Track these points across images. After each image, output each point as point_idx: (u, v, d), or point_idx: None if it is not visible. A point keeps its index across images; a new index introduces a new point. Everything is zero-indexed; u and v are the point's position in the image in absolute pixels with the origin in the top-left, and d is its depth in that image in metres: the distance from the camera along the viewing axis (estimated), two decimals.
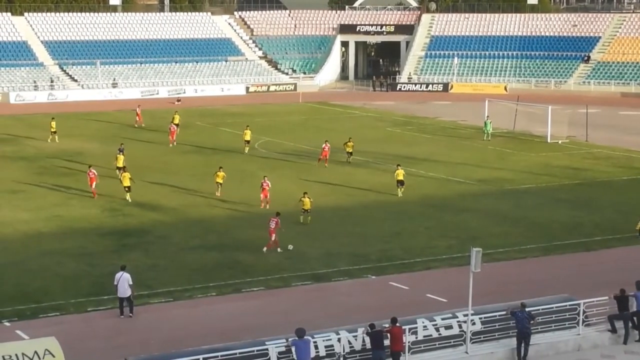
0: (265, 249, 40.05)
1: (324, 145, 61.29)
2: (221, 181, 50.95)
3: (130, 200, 49.50)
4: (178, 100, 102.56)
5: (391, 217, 46.90)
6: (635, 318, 29.08)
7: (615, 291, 29.23)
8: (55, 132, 71.51)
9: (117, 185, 52.70)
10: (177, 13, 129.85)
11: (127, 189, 50.02)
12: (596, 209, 49.03)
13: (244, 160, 63.63)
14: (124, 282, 31.64)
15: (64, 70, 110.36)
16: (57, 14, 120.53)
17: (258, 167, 60.41)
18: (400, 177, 51.84)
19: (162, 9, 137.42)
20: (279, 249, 40.10)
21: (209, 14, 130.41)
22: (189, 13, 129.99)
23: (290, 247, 40.44)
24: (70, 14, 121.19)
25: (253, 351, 25.03)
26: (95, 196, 50.67)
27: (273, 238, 40.10)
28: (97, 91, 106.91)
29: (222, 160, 63.27)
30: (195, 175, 57.97)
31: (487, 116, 75.83)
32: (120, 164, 55.92)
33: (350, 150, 62.33)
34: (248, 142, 67.22)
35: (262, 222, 45.03)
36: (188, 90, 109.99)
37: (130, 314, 31.64)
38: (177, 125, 75.09)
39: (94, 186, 51.09)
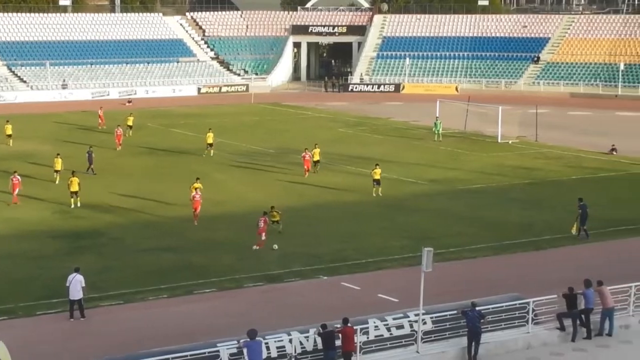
0: (255, 247, 40.51)
1: (303, 154, 58.55)
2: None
3: (79, 205, 48.77)
4: (129, 102, 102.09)
5: (345, 218, 47.04)
6: (583, 316, 29.44)
7: (564, 290, 29.55)
8: (10, 136, 70.64)
9: (67, 187, 52.47)
10: (128, 14, 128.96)
11: (75, 194, 49.18)
12: (547, 209, 49.54)
13: (196, 161, 63.39)
14: (76, 284, 31.37)
15: (13, 71, 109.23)
16: (6, 14, 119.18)
17: (212, 169, 60.29)
18: (377, 177, 52.06)
19: (113, 10, 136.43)
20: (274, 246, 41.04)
21: (161, 14, 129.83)
22: (140, 14, 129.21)
23: (275, 246, 40.66)
24: (19, 14, 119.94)
25: (204, 353, 24.99)
26: (15, 202, 49.43)
27: (263, 237, 40.66)
28: (47, 92, 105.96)
29: (175, 161, 63.16)
30: (148, 176, 57.72)
31: (437, 117, 76.24)
32: (59, 167, 55.42)
33: (316, 159, 59.07)
34: (211, 145, 66.13)
35: (214, 224, 45.14)
36: (139, 92, 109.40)
37: (82, 317, 31.44)
38: (130, 127, 74.63)
39: (16, 192, 49.85)
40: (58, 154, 57.01)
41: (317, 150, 59.86)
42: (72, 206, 48.72)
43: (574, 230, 43.41)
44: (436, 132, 74.29)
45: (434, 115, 78.16)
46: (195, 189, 46.42)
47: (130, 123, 75.39)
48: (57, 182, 54.55)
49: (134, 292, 34.44)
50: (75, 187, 48.99)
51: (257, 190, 53.39)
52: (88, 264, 37.01)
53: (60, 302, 32.47)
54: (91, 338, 29.84)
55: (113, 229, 44.29)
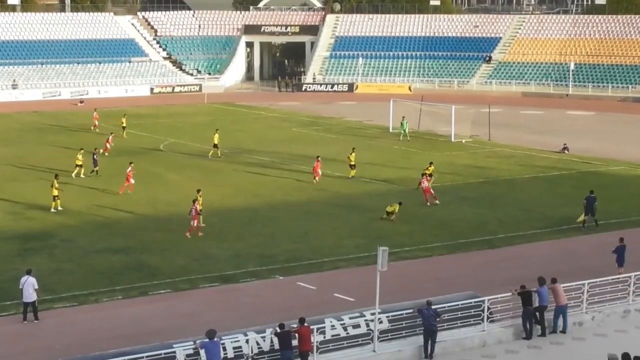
0: (432, 202, 49.36)
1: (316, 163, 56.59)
2: (201, 207, 44.39)
3: (60, 209, 47.93)
4: (81, 102, 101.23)
5: (299, 218, 46.98)
6: (537, 313, 29.65)
7: (517, 287, 29.67)
8: None
9: (19, 188, 52.03)
10: (79, 13, 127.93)
11: (56, 197, 48.27)
12: (499, 207, 49.85)
13: (149, 161, 62.95)
14: (28, 286, 31.01)
15: None
16: None
17: (164, 169, 60.00)
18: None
19: (62, 9, 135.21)
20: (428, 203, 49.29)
21: (112, 14, 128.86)
22: (91, 13, 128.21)
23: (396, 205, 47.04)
24: None
25: (160, 354, 24.78)
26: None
27: (432, 192, 49.81)
28: None
29: (128, 162, 62.50)
30: (101, 177, 57.15)
31: (403, 117, 76.12)
32: (80, 161, 56.66)
33: (429, 172, 53.92)
34: (216, 145, 65.53)
35: (167, 225, 44.85)
36: (91, 92, 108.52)
37: (35, 319, 31.08)
38: (124, 128, 73.97)
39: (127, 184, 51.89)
40: (81, 149, 58.06)
41: (431, 168, 55.19)
42: (52, 210, 47.83)
43: (579, 219, 44.97)
44: (403, 131, 74.41)
45: (388, 115, 78.42)
46: (194, 201, 43.66)
47: (124, 124, 74.98)
48: (73, 176, 55.68)
49: (87, 294, 34.14)
50: (55, 191, 48.23)
51: (211, 191, 53.10)
52: (39, 266, 36.69)
53: (13, 305, 32.11)
54: (45, 340, 29.54)
55: (64, 231, 43.81)
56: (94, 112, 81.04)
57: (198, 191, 45.65)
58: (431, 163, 55.75)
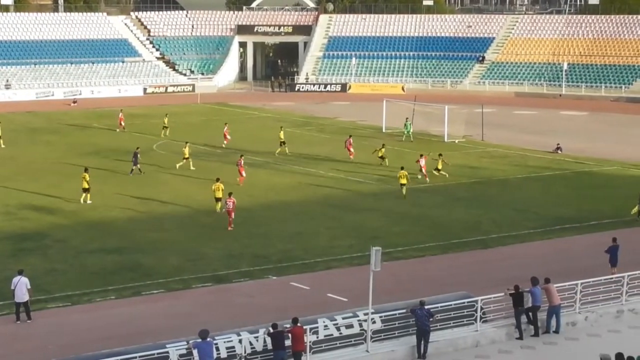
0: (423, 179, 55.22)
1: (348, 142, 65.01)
2: (221, 195, 46.74)
3: (89, 202, 49.13)
4: (74, 102, 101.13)
5: (292, 218, 46.99)
6: (530, 313, 29.69)
7: (510, 288, 29.71)
8: None
9: (11, 189, 51.91)
10: (72, 13, 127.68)
11: (86, 191, 49.20)
12: (493, 207, 49.89)
13: (143, 161, 62.76)
14: (21, 286, 31.00)
15: None
16: None
17: (158, 169, 59.90)
18: (403, 181, 51.94)
19: (56, 9, 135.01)
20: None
21: (105, 14, 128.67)
22: (84, 13, 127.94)
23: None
24: None
25: (153, 354, 24.78)
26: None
27: (425, 172, 55.57)
28: None
29: (120, 162, 62.46)
30: (95, 177, 56.90)
31: (407, 118, 76.07)
32: (187, 154, 60.15)
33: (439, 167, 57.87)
34: (284, 142, 67.05)
35: (160, 225, 44.86)
36: (84, 92, 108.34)
37: (28, 319, 31.05)
38: (166, 127, 75.36)
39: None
40: (187, 142, 61.74)
41: (383, 150, 62.93)
42: (82, 202, 48.99)
43: (634, 211, 46.28)
44: (406, 132, 74.45)
45: (381, 115, 78.34)
46: (230, 194, 44.89)
47: (166, 123, 75.86)
48: (177, 167, 59.64)
49: (81, 294, 34.11)
50: (85, 185, 49.16)
51: (204, 190, 53.07)
52: (33, 266, 36.68)
53: (6, 305, 32.07)
54: (38, 340, 29.52)
55: (57, 231, 43.79)
56: (120, 112, 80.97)
57: (217, 179, 48.08)
58: (440, 155, 58.43)
